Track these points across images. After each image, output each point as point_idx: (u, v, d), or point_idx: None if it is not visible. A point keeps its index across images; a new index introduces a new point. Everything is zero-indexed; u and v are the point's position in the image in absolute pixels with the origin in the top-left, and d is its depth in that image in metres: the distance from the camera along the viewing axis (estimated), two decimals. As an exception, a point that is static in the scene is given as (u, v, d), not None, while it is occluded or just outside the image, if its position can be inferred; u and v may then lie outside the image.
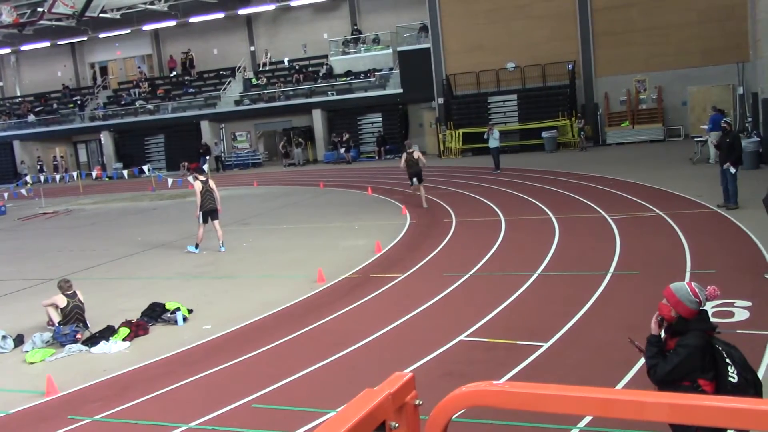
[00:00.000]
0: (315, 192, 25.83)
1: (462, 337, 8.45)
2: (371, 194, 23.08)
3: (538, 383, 1.65)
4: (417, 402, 1.83)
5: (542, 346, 7.89)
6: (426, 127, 37.34)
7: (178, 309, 10.42)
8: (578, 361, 7.48)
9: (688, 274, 10.04)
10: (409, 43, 37.11)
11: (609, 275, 10.52)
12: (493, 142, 26.02)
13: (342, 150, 37.12)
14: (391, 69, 38.16)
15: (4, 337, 9.84)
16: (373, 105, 37.96)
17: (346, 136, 37.39)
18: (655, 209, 15.22)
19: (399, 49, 37.07)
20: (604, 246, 12.41)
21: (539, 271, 11.19)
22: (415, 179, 19.09)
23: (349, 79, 39.05)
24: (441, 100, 34.65)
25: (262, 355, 8.61)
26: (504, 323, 8.91)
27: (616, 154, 27.96)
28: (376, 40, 40.41)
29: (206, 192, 15.46)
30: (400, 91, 36.33)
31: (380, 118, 38.69)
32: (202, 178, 15.71)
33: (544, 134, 31.46)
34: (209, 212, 15.60)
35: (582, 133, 30.87)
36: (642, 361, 4.84)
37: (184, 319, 10.32)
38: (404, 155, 19.41)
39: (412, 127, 38.43)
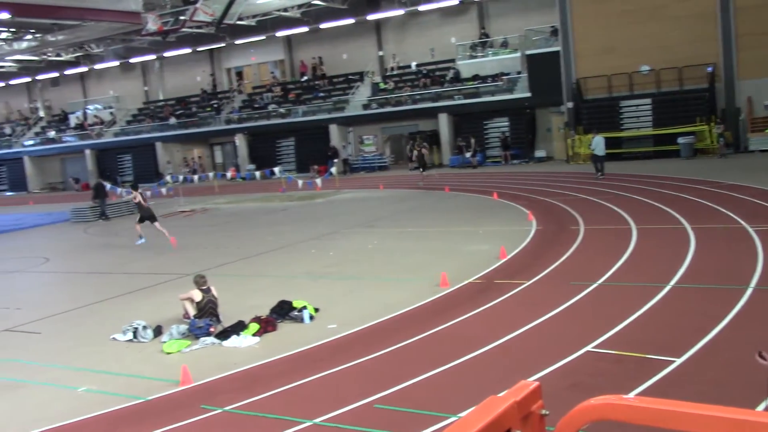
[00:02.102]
0: (440, 196, 25.85)
1: (588, 347, 8.22)
2: (497, 199, 22.87)
3: (670, 400, 1.59)
4: (543, 412, 1.81)
5: (674, 361, 7.55)
6: (554, 132, 36.60)
7: (305, 307, 10.70)
8: (713, 380, 7.11)
9: (838, 292, 9.34)
10: (539, 46, 36.52)
11: (750, 290, 9.93)
12: (596, 150, 25.69)
13: (467, 154, 36.98)
14: (519, 73, 37.69)
15: (144, 327, 10.44)
16: (499, 109, 37.61)
17: (472, 141, 37.23)
18: (802, 221, 14.25)
19: (527, 52, 36.55)
20: (745, 258, 11.73)
21: (672, 282, 10.72)
22: (428, 169, 28.08)
23: (476, 83, 38.87)
24: (570, 105, 33.87)
25: (385, 357, 8.70)
26: (633, 336, 8.59)
27: (759, 162, 26.38)
28: (504, 44, 40.02)
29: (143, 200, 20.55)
30: (528, 95, 35.81)
31: (507, 123, 38.27)
32: (139, 191, 20.91)
33: (680, 140, 30.08)
34: (148, 217, 20.28)
35: (721, 139, 29.33)
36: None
37: (311, 317, 10.58)
38: (415, 152, 31.06)
39: (539, 131, 37.79)
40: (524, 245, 14.84)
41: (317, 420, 6.94)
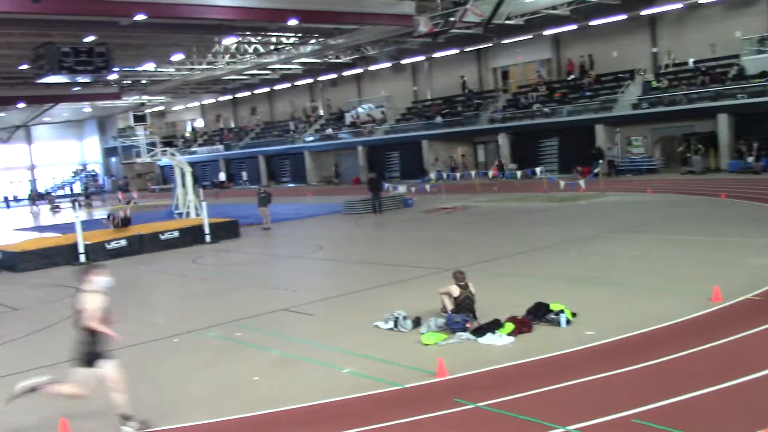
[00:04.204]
0: (714, 203, 23.97)
1: None
2: (782, 209, 20.70)
3: None
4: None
5: None
6: None
7: (562, 311, 10.47)
8: None
9: None
10: (843, 37, 32.31)
11: None
12: None
13: (749, 158, 33.82)
14: (817, 68, 33.68)
15: (405, 317, 10.87)
16: (791, 109, 33.91)
17: (754, 144, 33.99)
18: None
19: (829, 45, 32.52)
20: None
21: None
22: None
23: (763, 80, 35.35)
24: None
25: (646, 370, 8.23)
26: None
27: None
28: (801, 36, 36.01)
29: None
30: (829, 93, 31.89)
31: (800, 124, 34.43)
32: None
33: None
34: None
35: None
36: None
37: (568, 322, 10.33)
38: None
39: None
40: (815, 262, 13.26)
41: (570, 427, 6.76)
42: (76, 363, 7.55)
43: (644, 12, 40.98)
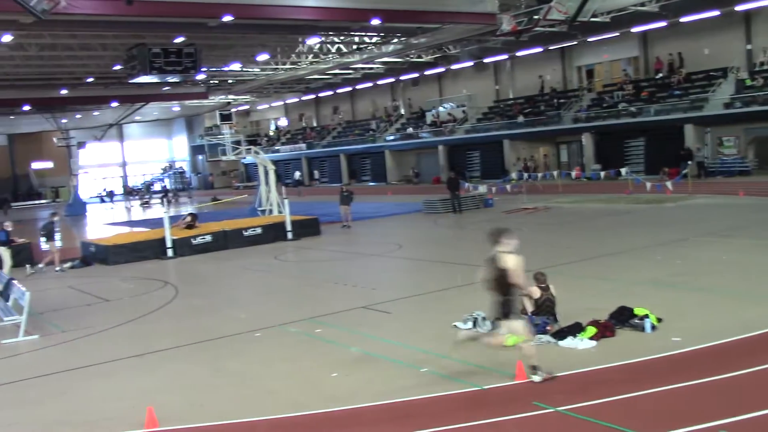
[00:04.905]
0: (812, 206, 22.88)
1: None
2: None
3: None
4: None
5: None
6: None
7: (647, 316, 10.19)
8: None
9: None
10: None
11: None
12: None
13: None
14: None
15: (483, 318, 10.81)
16: None
17: None
18: None
19: None
20: None
21: None
22: None
23: None
24: None
25: (735, 379, 7.92)
26: None
27: None
28: None
29: None
30: None
31: None
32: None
33: None
34: None
35: None
36: None
37: (653, 327, 10.05)
38: None
39: None
40: None
41: (655, 436, 6.57)
42: (498, 318, 8.53)
43: (739, 8, 39.38)
